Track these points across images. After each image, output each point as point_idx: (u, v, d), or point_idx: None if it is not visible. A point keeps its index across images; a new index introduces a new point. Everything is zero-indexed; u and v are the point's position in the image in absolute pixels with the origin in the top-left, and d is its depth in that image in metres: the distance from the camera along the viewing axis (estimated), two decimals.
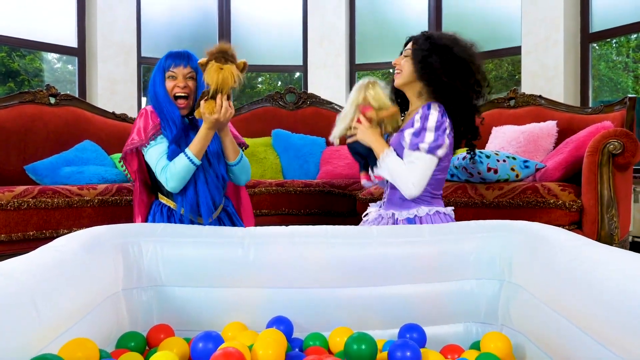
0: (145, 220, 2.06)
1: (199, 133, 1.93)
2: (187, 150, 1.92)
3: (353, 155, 2.12)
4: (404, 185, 1.90)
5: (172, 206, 2.05)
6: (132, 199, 2.13)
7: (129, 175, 2.07)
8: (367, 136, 1.99)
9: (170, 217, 2.05)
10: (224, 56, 1.85)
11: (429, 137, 1.87)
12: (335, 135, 2.09)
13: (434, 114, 1.89)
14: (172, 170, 1.92)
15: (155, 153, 1.97)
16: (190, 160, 1.91)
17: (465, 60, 1.91)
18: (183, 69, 2.04)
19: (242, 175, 2.14)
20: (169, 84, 2.03)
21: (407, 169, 1.89)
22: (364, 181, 2.13)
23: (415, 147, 1.88)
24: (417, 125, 1.89)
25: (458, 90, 1.91)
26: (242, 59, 1.90)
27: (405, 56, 2.04)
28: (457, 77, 1.90)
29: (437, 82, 1.92)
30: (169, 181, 1.93)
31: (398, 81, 2.05)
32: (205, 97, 1.87)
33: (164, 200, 2.07)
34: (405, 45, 2.11)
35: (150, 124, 2.00)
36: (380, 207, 2.16)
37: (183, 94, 2.03)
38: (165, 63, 2.04)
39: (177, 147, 1.96)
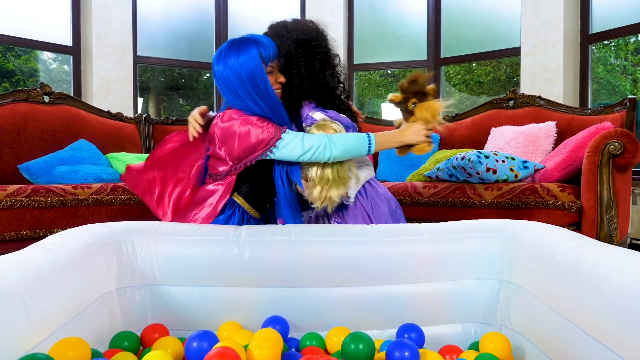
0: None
1: (396, 133, 1.84)
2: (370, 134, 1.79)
3: None
4: None
5: (245, 208, 1.83)
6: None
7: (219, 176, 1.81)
8: None
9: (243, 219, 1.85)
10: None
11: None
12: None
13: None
14: (336, 137, 1.72)
15: (295, 137, 1.70)
16: (369, 140, 1.76)
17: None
18: (276, 63, 1.81)
19: None
20: (269, 78, 1.76)
21: None
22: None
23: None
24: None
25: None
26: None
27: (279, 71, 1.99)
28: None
29: None
30: (333, 146, 1.69)
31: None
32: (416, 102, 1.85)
33: (240, 202, 1.83)
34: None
35: (264, 122, 1.72)
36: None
37: (279, 90, 1.83)
38: (267, 53, 1.73)
39: None
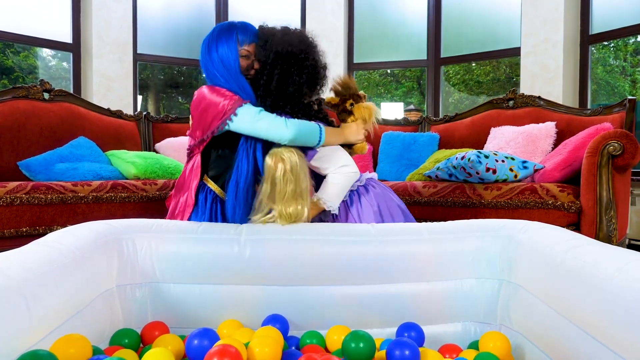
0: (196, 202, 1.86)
1: (339, 130, 1.92)
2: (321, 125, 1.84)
3: None
4: None
5: (217, 192, 1.86)
6: (177, 183, 1.93)
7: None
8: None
9: (213, 205, 1.86)
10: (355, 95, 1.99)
11: None
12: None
13: None
14: (294, 121, 1.76)
15: (252, 109, 1.75)
16: (320, 130, 1.80)
17: None
18: (253, 47, 1.85)
19: None
20: (242, 62, 1.83)
21: None
22: None
23: None
24: None
25: None
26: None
27: (254, 60, 1.98)
28: None
29: None
30: (288, 127, 1.73)
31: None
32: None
33: (209, 184, 1.87)
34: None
35: (228, 94, 1.77)
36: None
37: (250, 77, 1.87)
38: (241, 37, 1.82)
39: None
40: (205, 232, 1.54)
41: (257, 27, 1.90)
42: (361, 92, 1.99)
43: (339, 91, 1.98)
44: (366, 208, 1.93)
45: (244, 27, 1.85)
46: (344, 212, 1.94)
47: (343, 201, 1.94)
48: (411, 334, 1.43)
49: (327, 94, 2.02)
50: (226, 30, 1.84)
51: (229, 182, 1.79)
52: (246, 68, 1.85)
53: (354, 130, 1.94)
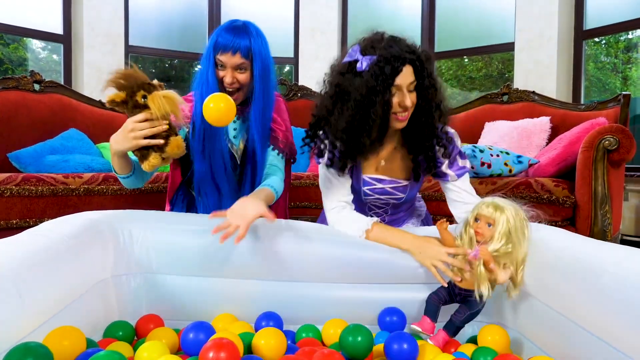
0: (170, 201, 1.91)
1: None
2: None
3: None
4: None
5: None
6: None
7: None
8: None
9: (190, 208, 1.90)
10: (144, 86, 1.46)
11: (465, 158, 1.78)
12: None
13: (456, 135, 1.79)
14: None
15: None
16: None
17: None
18: (232, 57, 1.63)
19: None
20: (219, 72, 1.68)
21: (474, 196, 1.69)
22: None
23: (464, 173, 1.74)
24: (450, 154, 1.74)
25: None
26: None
27: (410, 91, 1.52)
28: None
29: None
30: None
31: (404, 124, 1.59)
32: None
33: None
34: (396, 68, 1.46)
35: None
36: None
37: (231, 90, 1.70)
38: (216, 44, 1.64)
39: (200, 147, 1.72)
40: (203, 224, 1.52)
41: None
42: (155, 81, 1.49)
43: (123, 84, 1.44)
44: None
45: (228, 30, 1.66)
46: None
47: None
48: (393, 319, 1.44)
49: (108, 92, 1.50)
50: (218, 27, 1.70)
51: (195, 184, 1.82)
52: (220, 79, 1.69)
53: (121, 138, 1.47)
